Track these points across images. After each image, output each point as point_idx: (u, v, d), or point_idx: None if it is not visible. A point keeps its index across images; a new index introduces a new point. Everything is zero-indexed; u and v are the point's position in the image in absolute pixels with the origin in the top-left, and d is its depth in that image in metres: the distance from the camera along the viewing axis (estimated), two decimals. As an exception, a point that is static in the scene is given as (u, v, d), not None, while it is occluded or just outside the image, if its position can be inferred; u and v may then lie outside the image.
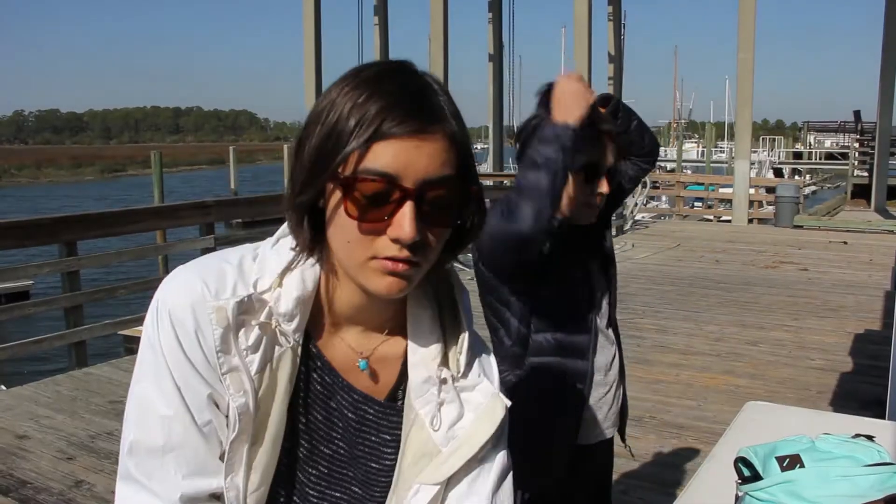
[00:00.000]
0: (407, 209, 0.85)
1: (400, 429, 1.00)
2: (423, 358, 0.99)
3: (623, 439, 2.20)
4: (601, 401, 2.03)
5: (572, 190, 1.83)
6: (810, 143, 47.53)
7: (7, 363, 7.29)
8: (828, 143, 46.81)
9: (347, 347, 0.99)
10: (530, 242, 1.68)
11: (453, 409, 0.99)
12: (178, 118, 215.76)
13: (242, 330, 0.92)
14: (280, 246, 0.96)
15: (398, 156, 0.84)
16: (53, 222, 6.46)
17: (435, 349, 0.99)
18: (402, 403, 1.00)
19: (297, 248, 0.93)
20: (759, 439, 1.51)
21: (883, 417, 2.96)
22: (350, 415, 1.00)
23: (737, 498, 1.45)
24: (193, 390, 0.92)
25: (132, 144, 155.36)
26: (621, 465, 3.62)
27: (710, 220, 18.07)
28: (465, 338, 1.01)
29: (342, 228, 0.88)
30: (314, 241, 0.92)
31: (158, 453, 0.92)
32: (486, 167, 30.02)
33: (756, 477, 1.40)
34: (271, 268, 0.94)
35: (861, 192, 23.94)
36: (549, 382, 1.93)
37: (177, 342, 0.91)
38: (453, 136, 0.88)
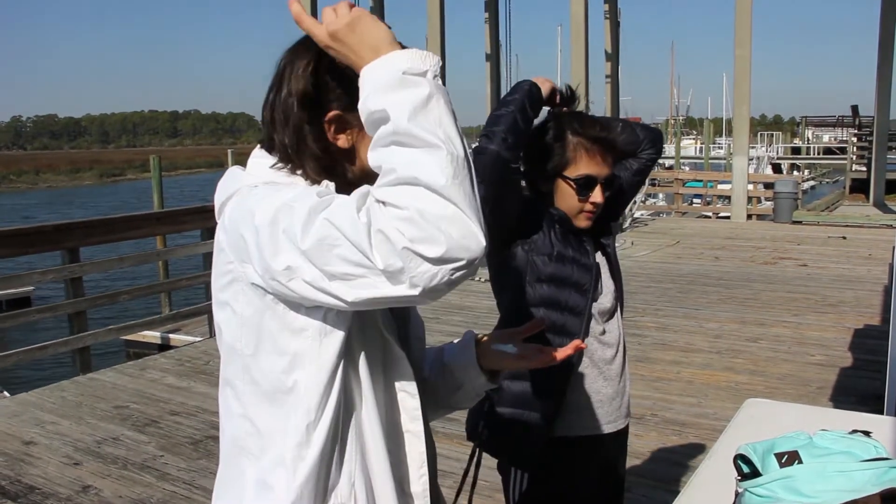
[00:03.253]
0: None
1: None
2: None
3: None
4: (599, 394, 2.08)
5: (568, 196, 2.02)
6: (808, 138, 47.55)
7: (11, 370, 7.32)
8: (826, 138, 46.87)
9: None
10: (499, 160, 1.89)
11: None
12: (176, 122, 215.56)
13: None
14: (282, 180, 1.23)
15: None
16: (55, 229, 6.49)
17: None
18: None
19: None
20: (758, 436, 1.54)
21: (881, 412, 2.99)
22: None
23: (737, 494, 1.48)
24: None
25: (130, 148, 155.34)
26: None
27: (709, 217, 18.10)
28: None
29: None
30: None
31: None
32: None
33: (755, 473, 1.43)
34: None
35: (859, 187, 23.97)
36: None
37: None
38: None
